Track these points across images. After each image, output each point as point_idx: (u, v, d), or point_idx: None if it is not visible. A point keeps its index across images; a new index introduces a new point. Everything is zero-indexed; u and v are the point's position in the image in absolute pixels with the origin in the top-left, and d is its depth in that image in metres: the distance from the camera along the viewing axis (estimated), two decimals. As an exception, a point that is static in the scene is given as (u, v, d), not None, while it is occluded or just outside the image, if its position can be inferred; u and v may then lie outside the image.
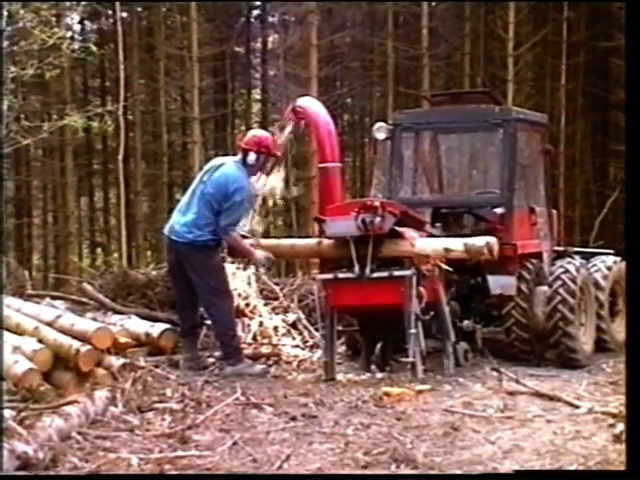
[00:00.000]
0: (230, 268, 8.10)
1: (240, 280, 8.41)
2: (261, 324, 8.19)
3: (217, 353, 7.36)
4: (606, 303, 8.48)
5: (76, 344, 6.28)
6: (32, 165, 25.17)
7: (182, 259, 7.11)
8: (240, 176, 7.08)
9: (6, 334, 6.59)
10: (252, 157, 7.13)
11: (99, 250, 26.42)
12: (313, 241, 7.50)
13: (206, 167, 7.46)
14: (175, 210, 7.42)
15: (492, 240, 6.76)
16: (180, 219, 7.16)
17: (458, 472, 4.22)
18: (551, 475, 3.73)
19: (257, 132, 7.74)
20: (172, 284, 7.62)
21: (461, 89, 20.31)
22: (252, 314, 8.26)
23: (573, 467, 4.18)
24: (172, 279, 7.54)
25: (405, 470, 4.23)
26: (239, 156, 7.23)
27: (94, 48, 14.93)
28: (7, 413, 4.76)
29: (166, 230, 7.30)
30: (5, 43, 12.53)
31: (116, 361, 6.41)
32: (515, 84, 21.31)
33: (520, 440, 4.83)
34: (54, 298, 8.87)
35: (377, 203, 6.80)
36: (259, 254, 7.16)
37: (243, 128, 28.10)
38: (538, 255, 8.12)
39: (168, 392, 5.89)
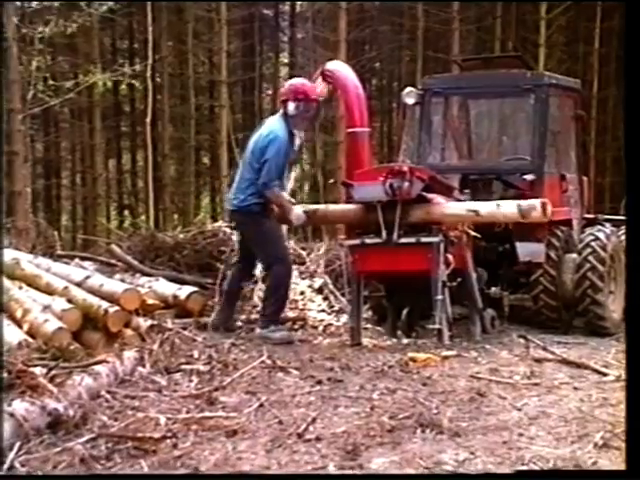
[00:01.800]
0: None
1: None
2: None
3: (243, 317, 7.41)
4: (636, 271, 8.38)
5: (105, 305, 6.35)
6: (61, 126, 25.28)
7: (237, 227, 7.16)
8: (275, 129, 6.95)
9: (37, 293, 6.68)
10: (291, 106, 6.97)
11: (127, 212, 26.58)
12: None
13: None
14: None
15: (545, 201, 6.59)
16: (232, 188, 7.19)
17: (482, 437, 4.22)
18: (551, 475, 3.73)
19: (293, 80, 7.53)
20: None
21: (492, 53, 20.03)
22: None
23: (600, 434, 4.17)
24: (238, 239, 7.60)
25: (430, 434, 4.24)
26: (280, 111, 7.11)
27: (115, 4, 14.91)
28: (38, 370, 4.83)
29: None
30: (33, 3, 12.59)
31: (144, 322, 6.48)
32: (547, 48, 20.99)
33: (547, 407, 4.82)
34: (83, 259, 8.97)
35: (405, 168, 6.74)
36: (297, 211, 7.06)
37: (270, 92, 28.01)
38: (568, 222, 8.05)
39: (195, 354, 5.93)
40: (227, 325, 7.18)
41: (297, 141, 7.18)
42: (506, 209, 6.66)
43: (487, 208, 6.72)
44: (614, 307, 7.81)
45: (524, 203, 6.60)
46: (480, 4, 23.49)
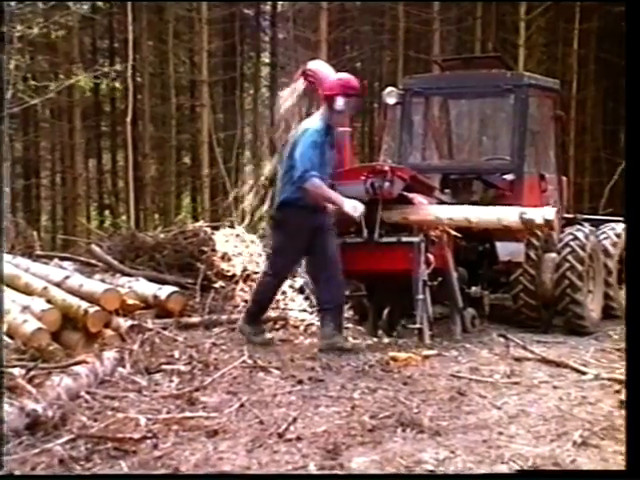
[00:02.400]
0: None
1: (246, 245, 8.43)
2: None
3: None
4: (614, 270, 8.48)
5: (84, 305, 6.31)
6: (40, 126, 25.10)
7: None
8: (307, 123, 6.58)
9: (15, 294, 6.63)
10: (340, 102, 6.46)
11: (107, 212, 26.43)
12: None
13: None
14: None
15: (551, 213, 6.42)
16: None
17: (462, 436, 4.24)
18: (551, 475, 3.76)
19: (340, 75, 6.98)
20: None
21: (472, 54, 20.10)
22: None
23: (579, 432, 4.20)
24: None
25: (411, 433, 4.25)
26: (322, 108, 6.61)
27: (100, 3, 14.82)
28: (17, 371, 4.79)
29: None
30: (12, 3, 12.49)
31: (124, 322, 6.45)
32: (527, 49, 21.08)
33: (526, 405, 4.85)
34: (62, 259, 8.91)
35: (386, 167, 6.75)
36: (351, 202, 6.39)
37: (252, 91, 27.97)
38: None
39: (176, 354, 5.90)
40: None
41: (336, 133, 6.75)
42: (509, 223, 6.52)
43: (488, 218, 6.61)
44: (593, 306, 7.87)
45: (528, 220, 6.39)
46: (460, 5, 23.56)
